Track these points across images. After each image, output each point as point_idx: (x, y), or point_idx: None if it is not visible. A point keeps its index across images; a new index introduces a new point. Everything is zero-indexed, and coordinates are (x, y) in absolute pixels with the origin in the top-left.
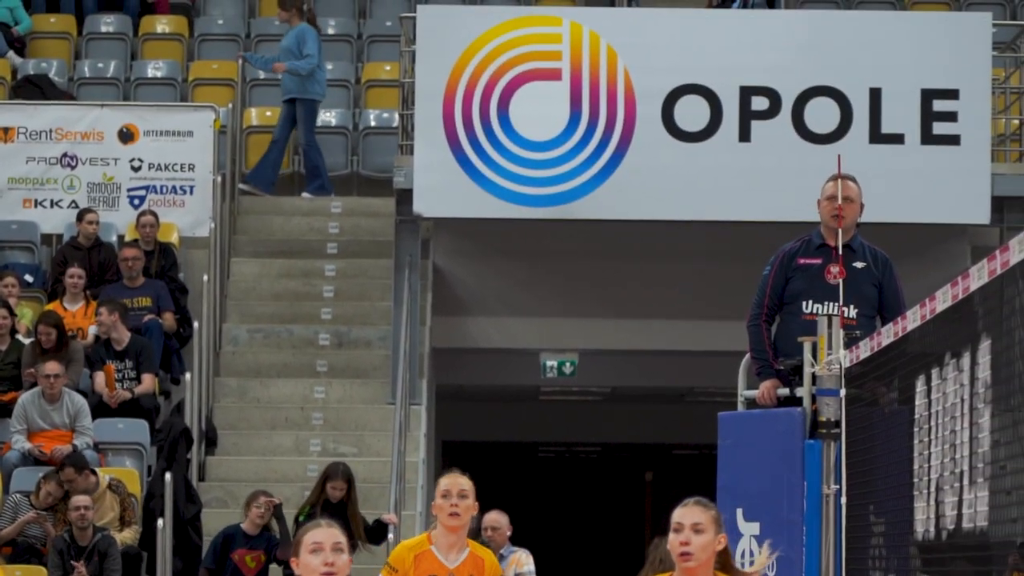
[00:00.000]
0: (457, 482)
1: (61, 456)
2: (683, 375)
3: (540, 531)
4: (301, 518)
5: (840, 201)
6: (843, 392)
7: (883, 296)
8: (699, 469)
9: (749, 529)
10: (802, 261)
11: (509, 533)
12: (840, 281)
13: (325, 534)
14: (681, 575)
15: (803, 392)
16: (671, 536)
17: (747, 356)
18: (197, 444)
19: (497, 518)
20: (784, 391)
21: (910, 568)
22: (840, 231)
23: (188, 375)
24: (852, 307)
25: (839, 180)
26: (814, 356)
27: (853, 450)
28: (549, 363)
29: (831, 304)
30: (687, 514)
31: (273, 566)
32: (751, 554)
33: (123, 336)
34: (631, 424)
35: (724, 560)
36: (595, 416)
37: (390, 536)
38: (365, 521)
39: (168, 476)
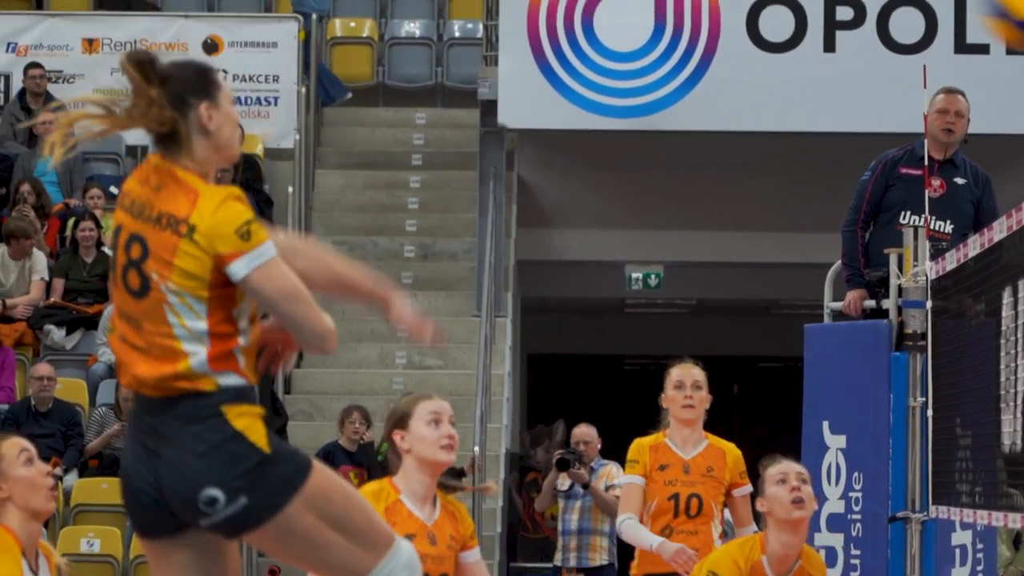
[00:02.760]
0: (691, 372)
1: None
2: (768, 287)
3: (627, 444)
4: (379, 458)
5: (951, 116)
6: (929, 304)
7: (980, 214)
8: (785, 382)
9: (835, 442)
10: (904, 170)
11: (599, 447)
12: (940, 195)
13: (440, 405)
14: (785, 529)
15: (889, 304)
16: (776, 489)
17: (834, 266)
18: None
19: (587, 431)
20: (871, 303)
21: (997, 481)
22: (946, 146)
23: None
24: (948, 222)
25: (951, 94)
26: (900, 268)
27: (939, 362)
28: (634, 275)
29: (929, 218)
30: (794, 465)
31: None
32: (837, 468)
33: None
34: (717, 336)
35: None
36: (680, 328)
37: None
38: None
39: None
